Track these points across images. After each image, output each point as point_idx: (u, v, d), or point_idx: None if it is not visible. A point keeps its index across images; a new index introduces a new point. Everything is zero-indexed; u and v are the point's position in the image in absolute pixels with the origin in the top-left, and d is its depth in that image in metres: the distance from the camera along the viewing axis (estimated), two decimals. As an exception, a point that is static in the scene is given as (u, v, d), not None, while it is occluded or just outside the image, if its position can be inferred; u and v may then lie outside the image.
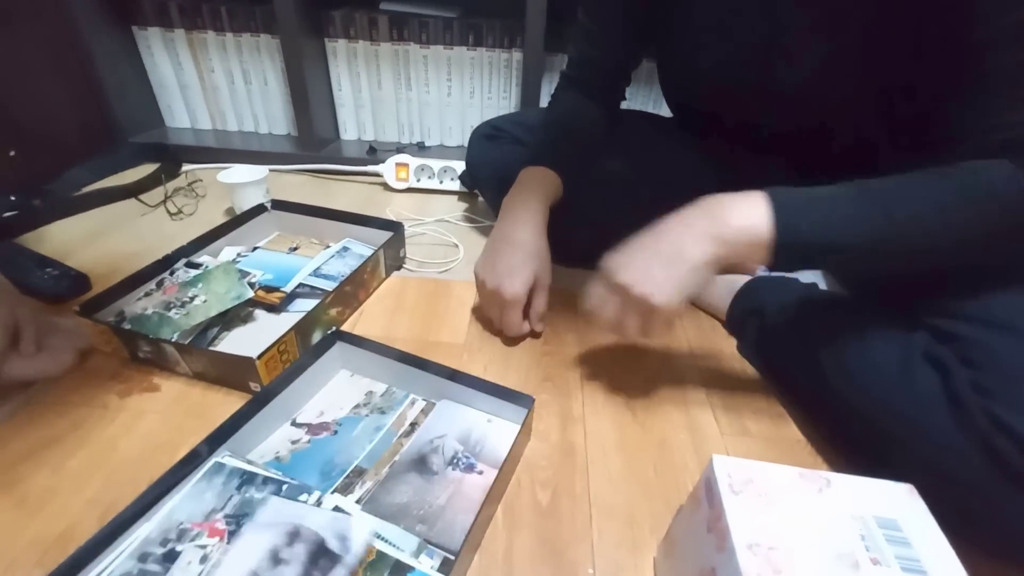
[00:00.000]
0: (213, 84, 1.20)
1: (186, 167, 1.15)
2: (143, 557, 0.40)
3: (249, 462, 0.47)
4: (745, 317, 0.71)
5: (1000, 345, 0.45)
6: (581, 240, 0.81)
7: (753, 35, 0.63)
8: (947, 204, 0.45)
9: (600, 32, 0.75)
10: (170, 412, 0.57)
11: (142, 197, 1.01)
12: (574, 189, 0.77)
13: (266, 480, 0.46)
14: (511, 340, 0.70)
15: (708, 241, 0.48)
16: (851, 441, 0.57)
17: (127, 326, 0.63)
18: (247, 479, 0.46)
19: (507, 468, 0.49)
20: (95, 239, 0.89)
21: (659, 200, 0.75)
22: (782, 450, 0.57)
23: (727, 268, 0.49)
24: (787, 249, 0.46)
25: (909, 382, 0.49)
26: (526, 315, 0.69)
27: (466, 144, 1.24)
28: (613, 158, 0.80)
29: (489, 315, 0.70)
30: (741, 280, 0.74)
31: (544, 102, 1.16)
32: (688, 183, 0.76)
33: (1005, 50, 0.44)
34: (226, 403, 0.58)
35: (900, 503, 0.35)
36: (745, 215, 0.47)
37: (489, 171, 0.89)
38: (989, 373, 0.44)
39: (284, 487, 0.46)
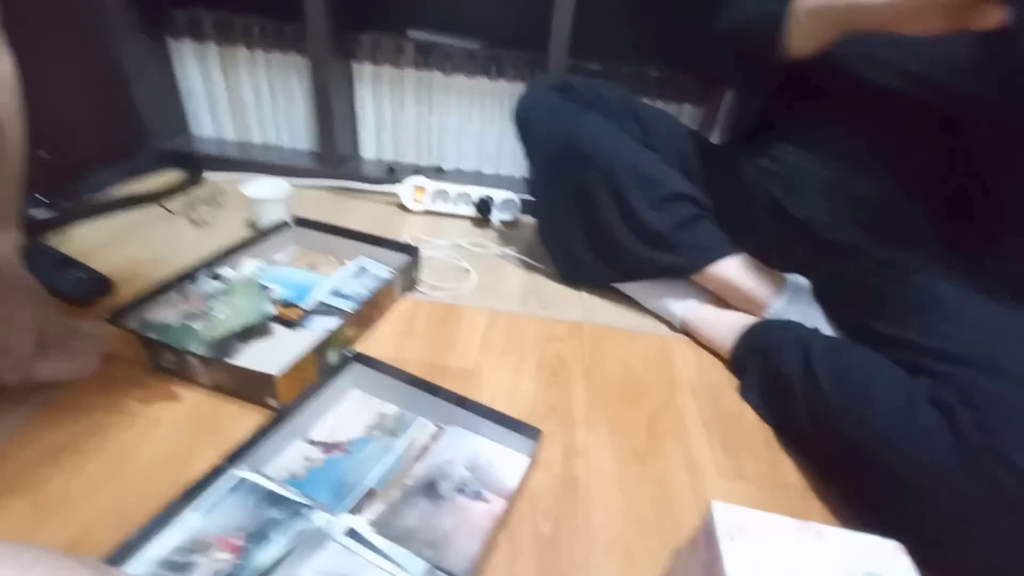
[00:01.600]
0: (240, 97, 1.24)
1: (208, 175, 1.18)
2: (163, 564, 0.42)
3: (283, 486, 0.49)
4: (748, 358, 0.73)
5: (1002, 388, 0.48)
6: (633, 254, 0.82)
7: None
8: None
9: None
10: (187, 422, 0.59)
11: (165, 203, 1.03)
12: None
13: (292, 504, 0.48)
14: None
15: None
16: (853, 485, 0.58)
17: (151, 335, 0.65)
18: (274, 501, 0.48)
19: (516, 500, 0.51)
20: (117, 242, 0.91)
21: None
22: (777, 496, 0.59)
23: None
24: None
25: (913, 423, 0.51)
26: None
27: (481, 170, 1.28)
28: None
29: None
30: (746, 320, 0.77)
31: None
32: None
33: None
34: (241, 416, 0.60)
35: (887, 559, 0.37)
36: None
37: (551, 136, 0.82)
38: (991, 413, 0.47)
39: (305, 510, 0.47)
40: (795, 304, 0.75)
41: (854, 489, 0.58)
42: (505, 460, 0.57)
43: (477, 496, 0.52)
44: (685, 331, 0.84)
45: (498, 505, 0.51)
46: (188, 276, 0.73)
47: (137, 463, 0.54)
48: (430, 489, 0.52)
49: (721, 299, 0.83)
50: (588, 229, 0.85)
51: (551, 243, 0.92)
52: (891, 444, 0.52)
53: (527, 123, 0.87)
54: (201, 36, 1.18)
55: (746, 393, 0.72)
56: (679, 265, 0.81)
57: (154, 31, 1.16)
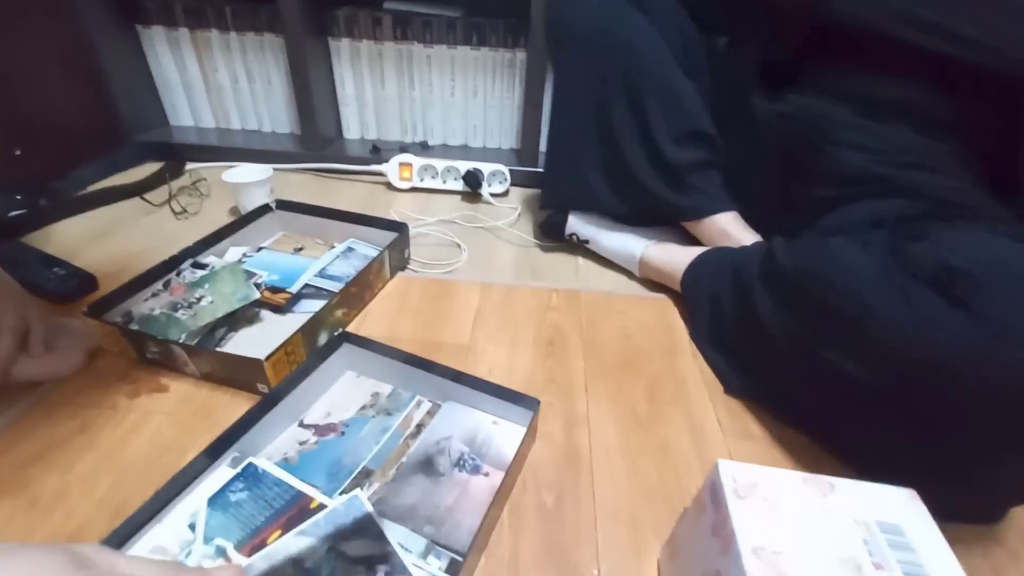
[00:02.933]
0: (217, 83, 1.20)
1: (190, 166, 1.15)
2: None
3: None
4: (703, 275, 0.73)
5: (956, 233, 0.49)
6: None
7: None
8: None
9: None
10: (178, 413, 0.58)
11: (147, 196, 1.01)
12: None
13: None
14: None
15: None
16: (815, 363, 0.54)
17: (135, 327, 0.64)
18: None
19: (513, 471, 0.50)
20: (100, 238, 0.89)
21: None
22: (784, 452, 0.58)
23: None
24: None
25: (868, 259, 0.50)
26: None
27: (468, 144, 1.25)
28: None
29: None
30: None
31: (548, 102, 1.16)
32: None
33: None
34: (233, 404, 0.59)
35: (902, 508, 0.36)
36: None
37: (589, 32, 0.74)
38: (928, 230, 0.48)
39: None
40: None
41: (798, 370, 0.56)
42: (505, 433, 0.55)
43: (476, 470, 0.51)
44: (644, 273, 0.83)
45: (498, 478, 0.50)
46: (171, 266, 0.72)
47: (130, 457, 0.53)
48: (427, 466, 0.51)
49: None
50: (602, 146, 0.80)
51: (555, 157, 0.86)
52: (845, 272, 0.51)
53: (565, 13, 0.78)
54: (172, 22, 1.14)
55: (694, 315, 0.73)
56: (684, 208, 0.79)
57: (124, 20, 1.12)
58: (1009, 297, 0.41)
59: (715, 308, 0.70)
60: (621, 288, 0.84)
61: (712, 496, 0.37)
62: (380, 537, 0.43)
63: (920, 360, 0.44)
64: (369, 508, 0.45)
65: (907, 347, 0.44)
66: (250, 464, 0.48)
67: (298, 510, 0.45)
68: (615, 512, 0.50)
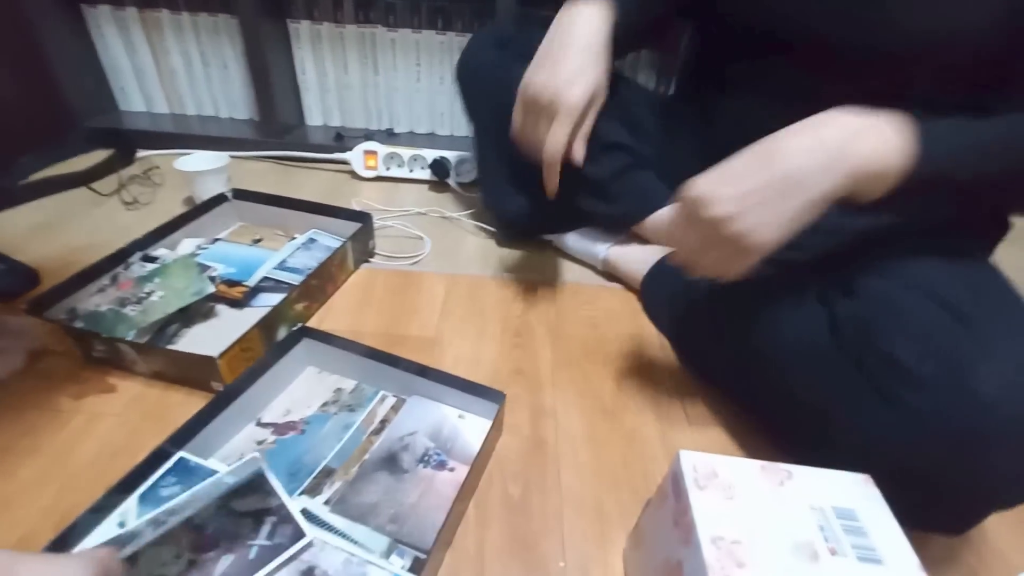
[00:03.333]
0: (169, 66, 1.15)
1: (141, 153, 1.10)
2: None
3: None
4: (660, 277, 0.75)
5: (881, 286, 0.49)
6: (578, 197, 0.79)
7: None
8: None
9: None
10: (128, 414, 0.55)
11: (95, 186, 0.96)
12: None
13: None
14: (548, 168, 0.61)
15: (837, 170, 0.41)
16: (742, 381, 0.60)
17: (80, 324, 0.60)
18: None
19: (479, 465, 0.49)
20: (44, 231, 0.84)
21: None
22: (749, 438, 0.59)
23: (842, 201, 0.43)
24: (917, 180, 0.41)
25: (798, 312, 0.53)
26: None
27: (435, 132, 1.23)
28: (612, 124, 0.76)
29: (529, 131, 0.61)
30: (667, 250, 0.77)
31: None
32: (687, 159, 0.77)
33: None
34: (187, 404, 0.57)
35: (857, 493, 0.37)
36: (883, 138, 0.41)
37: (489, 90, 0.76)
38: (868, 304, 0.48)
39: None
40: None
41: (743, 385, 0.60)
42: (471, 427, 0.55)
43: (441, 466, 0.50)
44: (608, 270, 0.83)
45: (463, 473, 0.49)
46: (119, 259, 0.68)
47: (77, 461, 0.51)
48: (391, 463, 0.50)
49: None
50: (529, 176, 0.77)
51: (491, 199, 0.88)
52: (777, 330, 0.53)
53: (466, 77, 0.82)
54: (119, 1, 1.08)
55: (651, 310, 0.75)
56: (619, 215, 0.79)
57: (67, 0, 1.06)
58: (945, 395, 0.40)
59: (672, 310, 0.72)
60: (588, 278, 0.83)
61: (674, 487, 0.38)
62: (270, 492, 0.43)
63: (856, 440, 0.45)
64: (263, 466, 0.44)
65: (836, 427, 0.47)
66: (181, 458, 0.46)
67: (255, 512, 0.44)
68: (581, 503, 0.50)
